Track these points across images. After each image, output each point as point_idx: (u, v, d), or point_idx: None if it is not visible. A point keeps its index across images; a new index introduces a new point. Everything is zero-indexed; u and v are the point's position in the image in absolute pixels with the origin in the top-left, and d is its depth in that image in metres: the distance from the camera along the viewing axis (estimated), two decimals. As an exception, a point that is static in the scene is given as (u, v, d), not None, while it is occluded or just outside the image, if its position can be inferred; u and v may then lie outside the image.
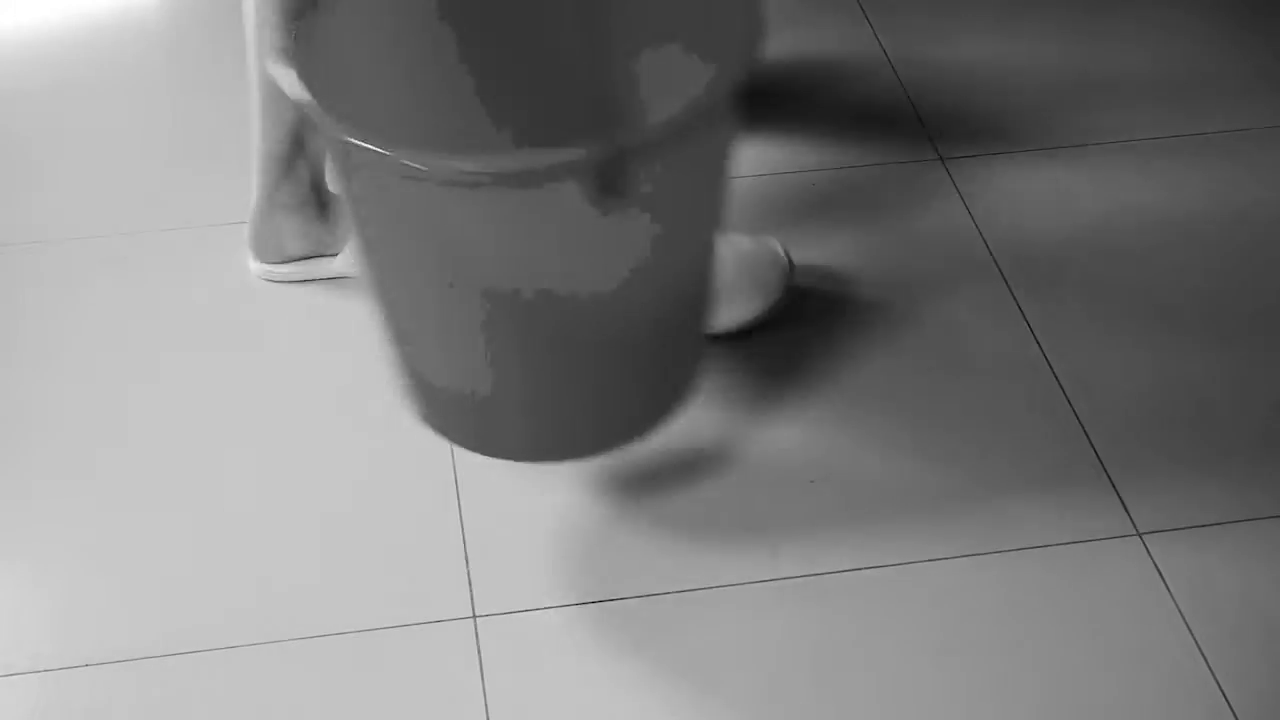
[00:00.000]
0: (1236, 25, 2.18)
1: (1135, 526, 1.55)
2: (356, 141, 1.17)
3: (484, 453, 1.43)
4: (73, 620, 1.48)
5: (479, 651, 1.44)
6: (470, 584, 1.50)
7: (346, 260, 1.77)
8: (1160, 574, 1.50)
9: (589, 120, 1.40)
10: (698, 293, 1.35)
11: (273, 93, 1.65)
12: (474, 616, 1.47)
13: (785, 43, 2.16)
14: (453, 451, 1.62)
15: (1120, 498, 1.58)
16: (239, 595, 1.49)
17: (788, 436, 1.62)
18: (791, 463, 1.60)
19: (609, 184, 1.13)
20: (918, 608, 1.49)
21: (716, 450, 1.63)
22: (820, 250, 1.82)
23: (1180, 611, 1.47)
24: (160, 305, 1.79)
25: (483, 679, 1.42)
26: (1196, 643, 1.45)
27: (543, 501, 1.58)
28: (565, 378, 1.34)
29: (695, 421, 1.65)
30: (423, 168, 1.14)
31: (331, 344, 1.74)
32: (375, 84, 1.35)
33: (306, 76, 1.23)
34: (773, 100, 2.05)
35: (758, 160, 1.94)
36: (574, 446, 1.43)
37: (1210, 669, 1.43)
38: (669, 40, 1.31)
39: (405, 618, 1.47)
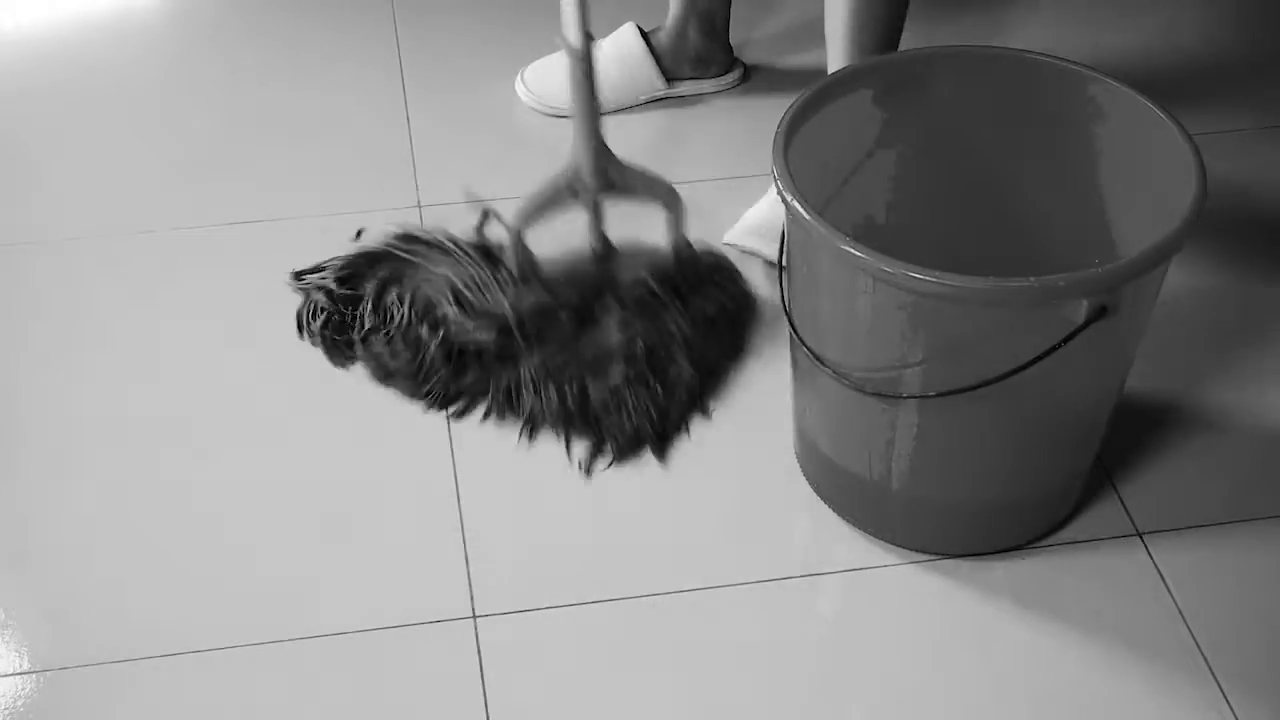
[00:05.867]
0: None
1: (1135, 526, 1.55)
2: (880, 263, 1.30)
3: (869, 532, 1.54)
4: (73, 620, 1.48)
5: (479, 651, 1.44)
6: (470, 584, 1.50)
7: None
8: (1160, 574, 1.50)
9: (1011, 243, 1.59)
10: (1115, 400, 1.51)
11: None
12: (474, 616, 1.47)
13: (799, 42, 2.17)
14: (453, 452, 1.62)
15: (1120, 498, 1.58)
16: (239, 595, 1.49)
17: (785, 432, 1.62)
18: (793, 468, 1.60)
19: (1103, 303, 1.30)
20: (916, 607, 1.49)
21: (717, 451, 1.63)
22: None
23: (1180, 611, 1.47)
24: (160, 305, 1.79)
25: (483, 679, 1.42)
26: (1196, 643, 1.45)
27: (543, 502, 1.58)
28: (994, 472, 1.49)
29: (697, 422, 1.66)
30: (931, 280, 1.28)
31: (331, 344, 1.74)
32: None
33: (801, 188, 1.37)
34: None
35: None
36: (964, 542, 1.53)
37: (1210, 669, 1.43)
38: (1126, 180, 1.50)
39: (405, 618, 1.47)
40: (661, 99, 2.05)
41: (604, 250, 1.72)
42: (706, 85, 2.06)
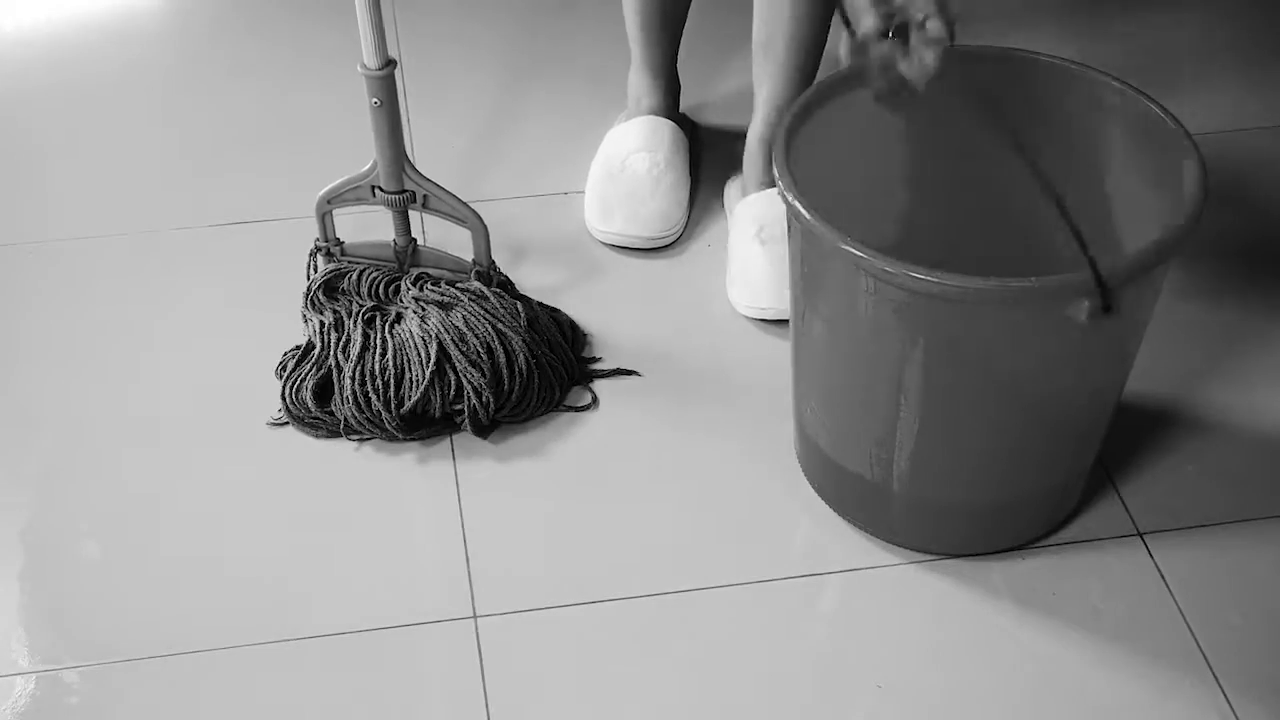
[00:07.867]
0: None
1: (1135, 526, 1.55)
2: (877, 261, 1.30)
3: (872, 533, 1.55)
4: (73, 620, 1.48)
5: (479, 651, 1.44)
6: (470, 584, 1.50)
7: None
8: (1160, 574, 1.51)
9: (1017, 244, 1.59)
10: (1115, 400, 1.51)
11: None
12: (474, 616, 1.47)
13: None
14: (453, 451, 1.62)
15: (1120, 498, 1.58)
16: (239, 595, 1.49)
17: (785, 432, 1.62)
18: (793, 468, 1.60)
19: (1106, 302, 1.29)
20: (916, 607, 1.49)
21: (717, 451, 1.63)
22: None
23: (1180, 611, 1.47)
24: (162, 305, 1.79)
25: (483, 679, 1.42)
26: (1197, 643, 1.45)
27: (542, 502, 1.58)
28: (992, 475, 1.49)
29: (697, 423, 1.66)
30: (931, 280, 1.28)
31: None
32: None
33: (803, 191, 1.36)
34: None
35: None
36: (968, 543, 1.53)
37: (1210, 669, 1.43)
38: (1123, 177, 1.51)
39: (405, 618, 1.47)
40: None
41: (403, 248, 1.75)
42: None
